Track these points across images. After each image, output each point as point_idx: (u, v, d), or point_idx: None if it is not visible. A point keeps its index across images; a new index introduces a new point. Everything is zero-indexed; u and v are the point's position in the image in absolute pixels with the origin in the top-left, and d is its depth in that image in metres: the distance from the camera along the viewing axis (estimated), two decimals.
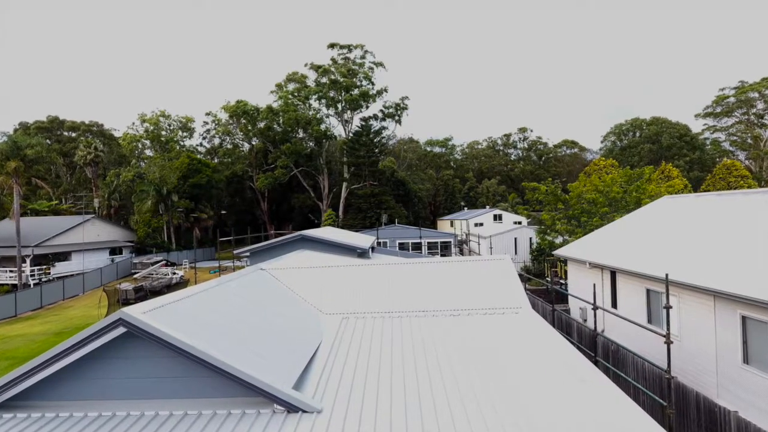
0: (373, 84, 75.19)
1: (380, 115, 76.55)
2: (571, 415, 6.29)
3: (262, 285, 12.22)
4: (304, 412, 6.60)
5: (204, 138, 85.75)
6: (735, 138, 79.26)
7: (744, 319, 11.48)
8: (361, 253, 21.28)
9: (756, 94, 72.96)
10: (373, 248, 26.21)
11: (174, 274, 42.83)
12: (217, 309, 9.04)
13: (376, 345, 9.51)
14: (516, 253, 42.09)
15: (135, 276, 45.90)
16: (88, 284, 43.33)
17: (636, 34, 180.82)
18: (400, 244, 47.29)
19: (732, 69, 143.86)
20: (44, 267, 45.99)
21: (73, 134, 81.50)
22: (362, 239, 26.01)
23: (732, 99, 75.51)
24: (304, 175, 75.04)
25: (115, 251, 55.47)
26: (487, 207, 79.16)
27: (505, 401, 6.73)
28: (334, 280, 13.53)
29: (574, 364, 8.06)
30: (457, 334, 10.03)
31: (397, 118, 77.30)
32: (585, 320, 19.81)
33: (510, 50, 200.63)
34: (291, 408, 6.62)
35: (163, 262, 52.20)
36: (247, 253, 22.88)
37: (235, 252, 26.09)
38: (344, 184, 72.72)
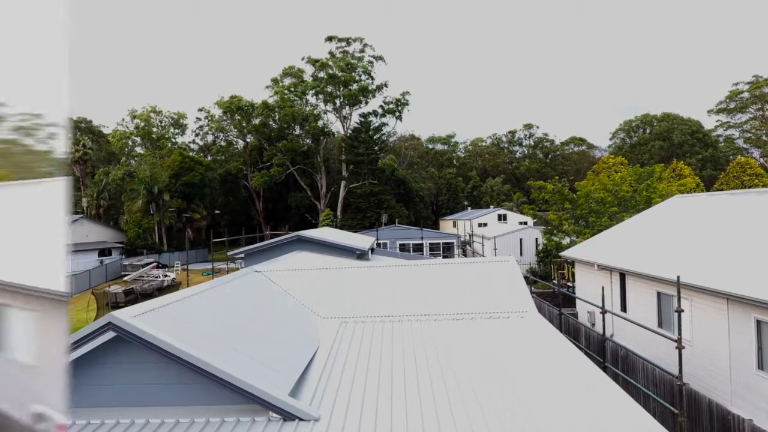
0: (372, 79, 74.14)
1: (380, 111, 75.33)
2: (579, 423, 6.19)
3: (257, 288, 12.07)
4: (301, 419, 6.51)
5: (197, 135, 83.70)
6: (749, 135, 77.78)
7: (759, 323, 11.29)
8: (360, 255, 21.01)
9: None
10: (372, 249, 25.95)
11: (165, 276, 42.42)
12: (211, 313, 8.92)
13: (375, 350, 9.37)
14: (521, 254, 41.75)
15: (125, 278, 45.39)
16: (76, 287, 42.45)
17: (646, 27, 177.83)
18: (400, 245, 47.07)
19: (746, 63, 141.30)
20: None
21: None
22: (361, 240, 25.77)
23: (746, 94, 74.21)
24: (301, 173, 74.26)
25: (104, 253, 54.63)
26: (492, 207, 78.14)
27: (510, 408, 6.65)
28: (332, 282, 13.37)
29: (582, 370, 7.96)
30: (460, 338, 9.88)
31: (397, 114, 76.18)
32: (593, 324, 19.57)
33: (515, 44, 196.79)
34: (287, 415, 6.53)
35: (154, 264, 51.42)
36: (242, 255, 22.66)
37: (229, 253, 25.89)
38: (342, 183, 72.23)
